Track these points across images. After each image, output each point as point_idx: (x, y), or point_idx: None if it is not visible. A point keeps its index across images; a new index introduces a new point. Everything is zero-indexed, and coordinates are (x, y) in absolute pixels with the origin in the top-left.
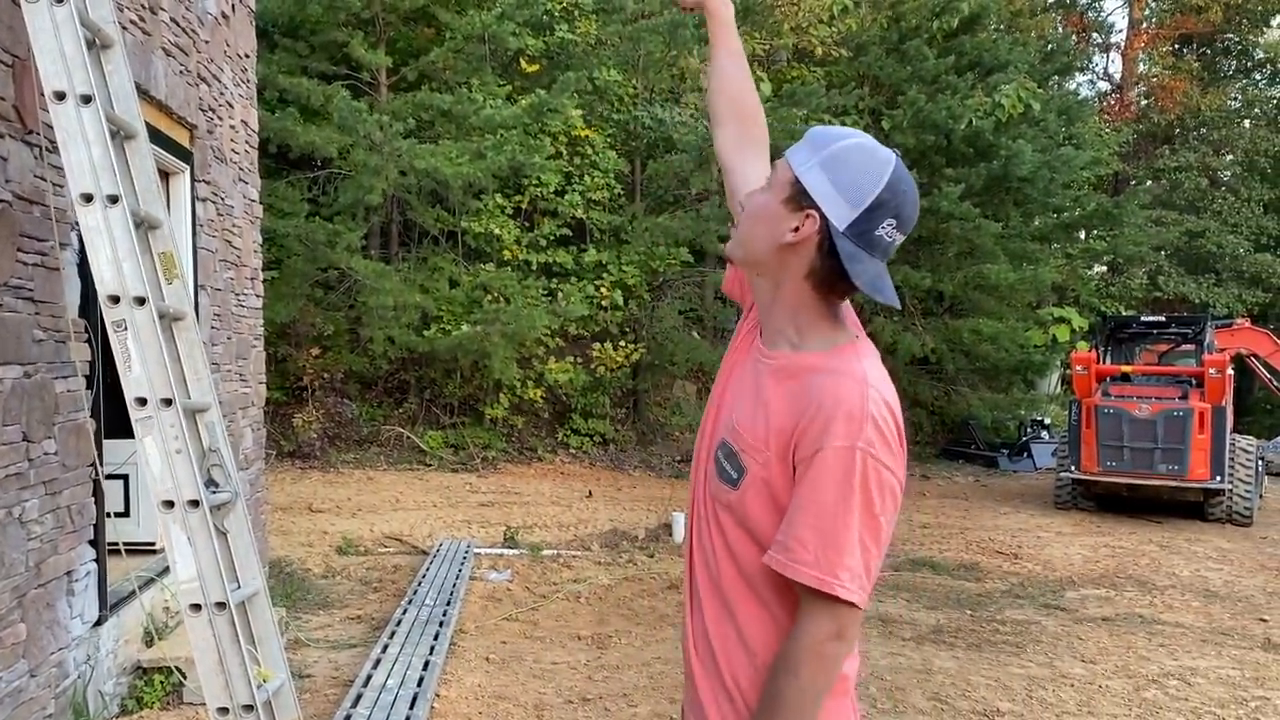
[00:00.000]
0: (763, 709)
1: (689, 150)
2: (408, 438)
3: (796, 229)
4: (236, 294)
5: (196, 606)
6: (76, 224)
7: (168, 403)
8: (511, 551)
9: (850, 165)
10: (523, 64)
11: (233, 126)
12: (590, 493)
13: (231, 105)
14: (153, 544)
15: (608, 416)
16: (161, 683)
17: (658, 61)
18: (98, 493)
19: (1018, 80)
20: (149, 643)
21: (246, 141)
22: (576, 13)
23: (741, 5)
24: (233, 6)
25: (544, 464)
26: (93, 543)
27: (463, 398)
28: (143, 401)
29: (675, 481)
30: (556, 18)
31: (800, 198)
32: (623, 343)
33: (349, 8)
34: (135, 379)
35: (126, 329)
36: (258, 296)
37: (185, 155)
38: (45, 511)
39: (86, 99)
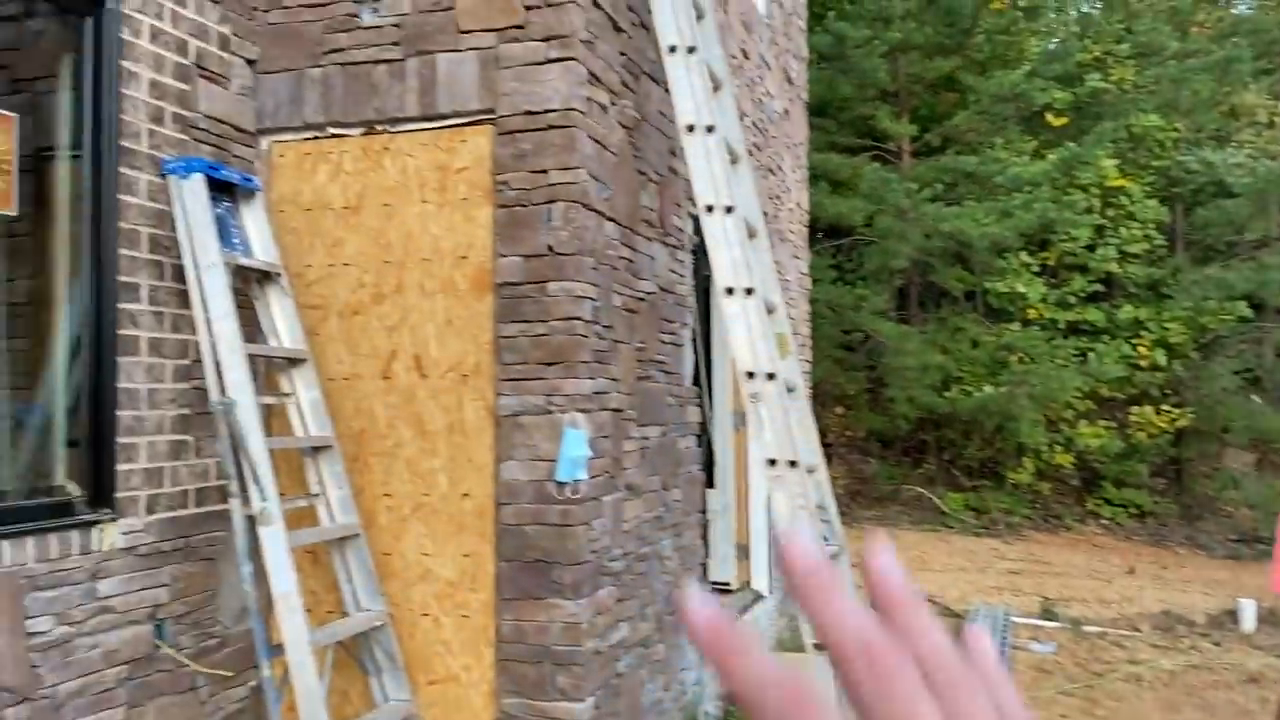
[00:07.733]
0: None
1: (1245, 193)
2: (927, 498)
3: None
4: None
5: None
6: (692, 307)
7: (793, 464)
8: (1050, 624)
9: None
10: (1049, 118)
11: (790, 209)
12: (1132, 569)
13: (789, 190)
14: (728, 584)
15: (1145, 486)
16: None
17: (1204, 101)
18: (705, 535)
19: None
20: None
21: (800, 221)
22: (1110, 60)
23: None
24: (792, 101)
25: (1072, 534)
26: (698, 579)
27: (983, 460)
28: (773, 462)
29: (1232, 563)
30: (1087, 68)
31: None
32: (1165, 406)
33: (878, 84)
34: (767, 443)
35: (759, 400)
36: (806, 362)
37: None
38: (674, 550)
39: (729, 209)
